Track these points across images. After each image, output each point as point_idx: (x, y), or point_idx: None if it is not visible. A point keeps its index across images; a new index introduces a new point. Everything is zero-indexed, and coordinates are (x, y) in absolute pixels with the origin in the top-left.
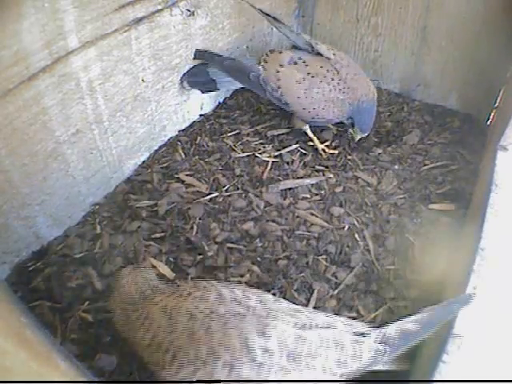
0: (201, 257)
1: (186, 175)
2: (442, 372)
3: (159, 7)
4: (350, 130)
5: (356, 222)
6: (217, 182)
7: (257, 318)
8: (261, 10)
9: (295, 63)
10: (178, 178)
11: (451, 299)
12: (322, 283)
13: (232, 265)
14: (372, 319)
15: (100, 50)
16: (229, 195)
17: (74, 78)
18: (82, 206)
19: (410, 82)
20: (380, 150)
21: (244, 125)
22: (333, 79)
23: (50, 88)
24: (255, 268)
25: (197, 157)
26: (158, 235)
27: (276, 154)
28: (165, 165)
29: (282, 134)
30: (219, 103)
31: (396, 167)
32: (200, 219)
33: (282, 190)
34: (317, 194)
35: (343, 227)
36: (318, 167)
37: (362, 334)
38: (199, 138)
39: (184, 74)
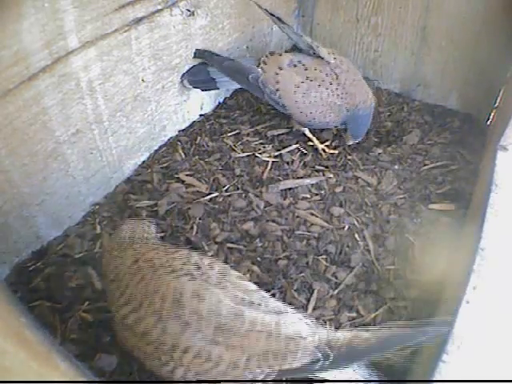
0: None
1: (186, 175)
2: (442, 372)
3: (159, 7)
4: (343, 134)
5: (356, 222)
6: (217, 182)
7: (203, 283)
8: (266, 10)
9: (295, 66)
10: (178, 177)
11: (428, 320)
12: (322, 283)
13: (232, 265)
14: (372, 319)
15: (100, 50)
16: (229, 195)
17: (74, 78)
18: (82, 205)
19: (410, 82)
20: (380, 150)
21: (244, 125)
22: (331, 84)
23: (49, 88)
24: (255, 268)
25: (197, 157)
26: (158, 235)
27: (276, 153)
28: (165, 165)
29: (282, 134)
30: (219, 103)
31: (396, 167)
32: (200, 219)
33: (282, 190)
34: (317, 194)
35: (343, 227)
36: (317, 167)
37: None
38: (199, 137)
39: (184, 73)
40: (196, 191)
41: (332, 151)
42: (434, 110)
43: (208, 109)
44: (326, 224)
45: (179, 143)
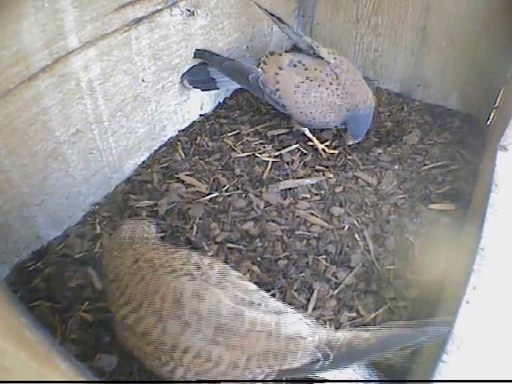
0: None
1: (186, 175)
2: (442, 372)
3: (159, 7)
4: (343, 134)
5: (356, 222)
6: (217, 182)
7: (203, 283)
8: (266, 10)
9: (295, 66)
10: (178, 178)
11: (428, 320)
12: (322, 283)
13: (232, 265)
14: (372, 319)
15: (100, 50)
16: (229, 195)
17: (74, 78)
18: (82, 205)
19: (410, 82)
20: (380, 150)
21: (244, 125)
22: (331, 84)
23: (49, 88)
24: (255, 268)
25: (197, 157)
26: (158, 235)
27: (276, 154)
28: (165, 165)
29: (282, 134)
30: (219, 103)
31: (396, 167)
32: (200, 219)
33: (282, 190)
34: (317, 194)
35: (343, 227)
36: (318, 167)
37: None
38: (199, 137)
39: (184, 73)
40: (196, 191)
41: (332, 151)
42: (434, 110)
43: (208, 109)
44: (326, 224)
45: (179, 143)
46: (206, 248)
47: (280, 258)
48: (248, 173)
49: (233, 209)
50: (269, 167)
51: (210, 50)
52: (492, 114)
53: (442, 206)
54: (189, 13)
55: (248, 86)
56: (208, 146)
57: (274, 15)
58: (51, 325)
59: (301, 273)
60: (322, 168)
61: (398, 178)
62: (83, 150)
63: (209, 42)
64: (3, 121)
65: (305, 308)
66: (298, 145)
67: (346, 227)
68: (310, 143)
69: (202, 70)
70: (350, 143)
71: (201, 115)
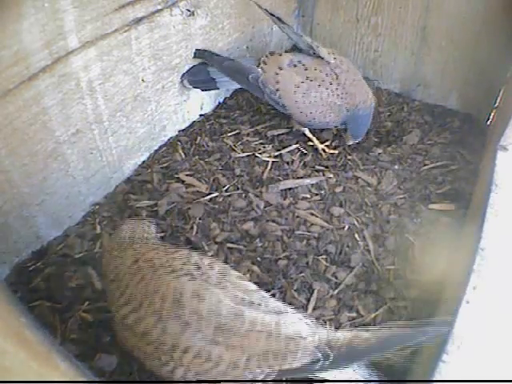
0: None
1: (186, 175)
2: (442, 372)
3: (159, 7)
4: (343, 134)
5: (356, 222)
6: (217, 182)
7: (203, 283)
8: (266, 10)
9: (295, 66)
10: (178, 178)
11: (428, 320)
12: (322, 283)
13: (232, 265)
14: (372, 319)
15: (100, 50)
16: (229, 195)
17: (74, 78)
18: (82, 205)
19: (410, 82)
20: (380, 150)
21: (244, 125)
22: (331, 84)
23: (49, 88)
24: (255, 268)
25: (197, 157)
26: (158, 235)
27: (276, 154)
28: (165, 165)
29: (282, 133)
30: (219, 103)
31: (396, 167)
32: (200, 219)
33: (282, 190)
34: (317, 194)
35: (343, 227)
36: (317, 167)
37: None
38: (199, 137)
39: (184, 73)
40: (196, 191)
41: (332, 151)
42: (434, 110)
43: (208, 109)
44: (326, 224)
45: (179, 143)
46: (206, 248)
47: (280, 258)
48: (248, 173)
49: (233, 209)
50: (269, 167)
51: (209, 50)
52: (492, 114)
53: (442, 206)
54: (189, 13)
55: (248, 86)
56: (208, 146)
57: (273, 15)
58: (51, 325)
59: (301, 273)
60: (322, 168)
61: (398, 178)
62: (83, 150)
63: (209, 41)
64: (3, 121)
65: (305, 308)
66: (298, 145)
67: (346, 227)
68: (310, 143)
69: (202, 70)
70: (350, 143)
71: (201, 115)
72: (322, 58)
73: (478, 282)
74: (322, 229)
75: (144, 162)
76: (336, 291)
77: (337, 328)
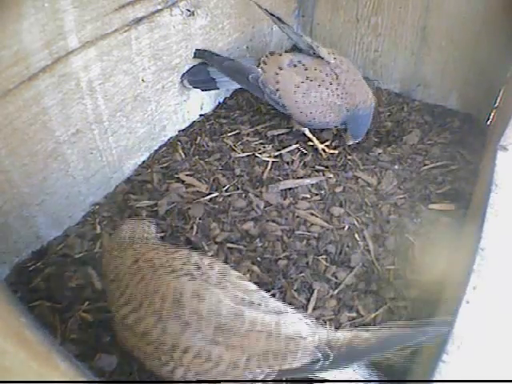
0: None
1: (186, 175)
2: (442, 372)
3: (159, 7)
4: (343, 134)
5: (356, 222)
6: (217, 182)
7: (203, 283)
8: (266, 10)
9: (295, 66)
10: (178, 178)
11: (428, 320)
12: (322, 283)
13: (232, 265)
14: (372, 319)
15: (100, 50)
16: (229, 195)
17: (74, 78)
18: (82, 205)
19: (410, 82)
20: (380, 150)
21: (244, 125)
22: (331, 84)
23: (49, 88)
24: (255, 268)
25: (197, 157)
26: (158, 235)
27: (276, 154)
28: (165, 165)
29: (282, 133)
30: (219, 103)
31: (396, 167)
32: (200, 219)
33: (282, 190)
34: (317, 194)
35: (343, 227)
36: (318, 167)
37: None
38: (199, 137)
39: (184, 73)
40: (196, 191)
41: (332, 151)
42: (434, 110)
43: (208, 109)
44: (326, 224)
45: (179, 143)
46: (206, 248)
47: (280, 258)
48: (248, 173)
49: (233, 209)
50: (269, 167)
51: (209, 50)
52: (492, 114)
53: (442, 206)
54: (189, 13)
55: (248, 86)
56: (208, 146)
57: (273, 15)
58: (51, 325)
59: (301, 273)
60: (322, 168)
61: (398, 178)
62: (83, 150)
63: (209, 41)
64: (3, 121)
65: (305, 308)
66: (298, 145)
67: (346, 227)
68: (310, 143)
69: (202, 70)
70: (350, 143)
71: (201, 115)
72: (322, 58)
73: (478, 282)
74: (322, 229)
75: (144, 162)
76: (336, 291)
77: (337, 328)
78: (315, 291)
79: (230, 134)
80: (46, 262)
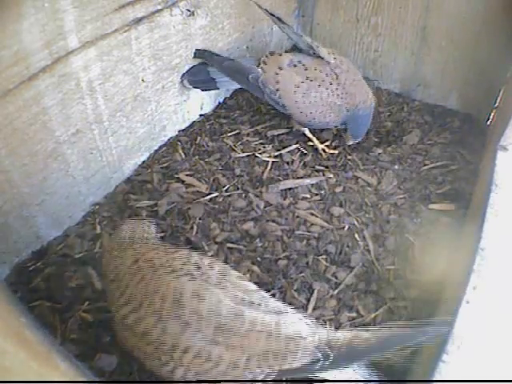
0: None
1: (186, 175)
2: (442, 372)
3: (159, 7)
4: (343, 134)
5: (356, 222)
6: (217, 182)
7: (203, 283)
8: (266, 10)
9: (295, 66)
10: (178, 178)
11: (428, 320)
12: (322, 283)
13: (232, 265)
14: (372, 319)
15: (100, 50)
16: (229, 195)
17: (74, 77)
18: (82, 205)
19: (410, 82)
20: (380, 150)
21: (244, 125)
22: (331, 84)
23: (49, 88)
24: (255, 268)
25: (197, 157)
26: (158, 235)
27: (276, 154)
28: (165, 165)
29: (282, 133)
30: (219, 103)
31: (396, 167)
32: (200, 219)
33: (282, 190)
34: (317, 194)
35: (343, 227)
36: (318, 167)
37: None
38: (199, 137)
39: (184, 73)
40: (196, 191)
41: (332, 151)
42: (434, 110)
43: (208, 109)
44: (326, 224)
45: (179, 143)
46: (206, 248)
47: (280, 258)
48: (248, 173)
49: (233, 209)
50: (269, 167)
51: (209, 50)
52: (492, 114)
53: (442, 206)
54: (189, 13)
55: (248, 86)
56: (208, 145)
57: (274, 15)
58: (51, 325)
59: (301, 273)
60: (322, 168)
61: (398, 178)
62: (83, 150)
63: (209, 41)
64: (3, 121)
65: (305, 308)
66: (298, 145)
67: (346, 227)
68: (310, 143)
69: (202, 70)
70: (350, 143)
71: (201, 115)
72: (322, 58)
73: (478, 282)
74: (322, 229)
75: (144, 162)
76: (336, 291)
77: (337, 328)
78: (315, 291)
79: (230, 134)
80: (45, 262)
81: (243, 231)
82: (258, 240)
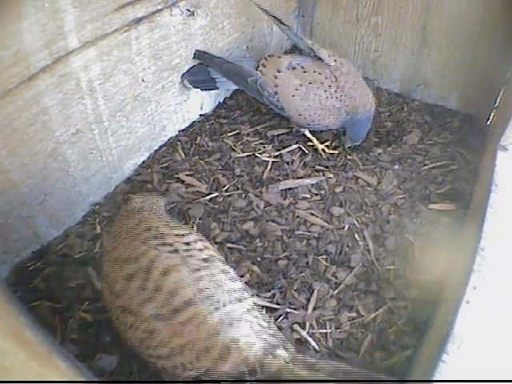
0: None
1: (186, 175)
2: (442, 372)
3: (159, 7)
4: (342, 137)
5: (356, 222)
6: (217, 182)
7: (181, 262)
8: (267, 11)
9: (293, 68)
10: (178, 178)
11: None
12: (322, 283)
13: (232, 265)
14: (372, 319)
15: (100, 50)
16: (229, 195)
17: (74, 77)
18: (81, 205)
19: (410, 82)
20: (380, 150)
21: (244, 125)
22: (330, 86)
23: (49, 88)
24: (255, 268)
25: (197, 157)
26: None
27: (276, 153)
28: (165, 165)
29: (282, 134)
30: (219, 103)
31: (396, 167)
32: (200, 219)
33: (282, 190)
34: (317, 194)
35: (343, 227)
36: (318, 167)
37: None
38: (199, 138)
39: (184, 73)
40: (196, 191)
41: (332, 151)
42: (434, 110)
43: (208, 109)
44: (326, 224)
45: (179, 143)
46: None
47: (280, 258)
48: (248, 173)
49: (233, 209)
50: (269, 167)
51: (209, 52)
52: (492, 114)
53: (442, 206)
54: (189, 13)
55: (247, 89)
56: (208, 145)
57: (275, 17)
58: (51, 325)
59: (301, 273)
60: (322, 168)
61: (398, 178)
62: (83, 150)
63: (209, 41)
64: (3, 121)
65: (305, 308)
66: (298, 145)
67: (346, 227)
68: (310, 143)
69: (202, 69)
70: (349, 145)
71: (201, 115)
72: (322, 61)
73: (477, 282)
74: (322, 229)
75: (144, 162)
76: (336, 291)
77: (337, 328)
78: (315, 291)
79: (230, 134)
80: (45, 262)
81: (243, 231)
82: (258, 240)
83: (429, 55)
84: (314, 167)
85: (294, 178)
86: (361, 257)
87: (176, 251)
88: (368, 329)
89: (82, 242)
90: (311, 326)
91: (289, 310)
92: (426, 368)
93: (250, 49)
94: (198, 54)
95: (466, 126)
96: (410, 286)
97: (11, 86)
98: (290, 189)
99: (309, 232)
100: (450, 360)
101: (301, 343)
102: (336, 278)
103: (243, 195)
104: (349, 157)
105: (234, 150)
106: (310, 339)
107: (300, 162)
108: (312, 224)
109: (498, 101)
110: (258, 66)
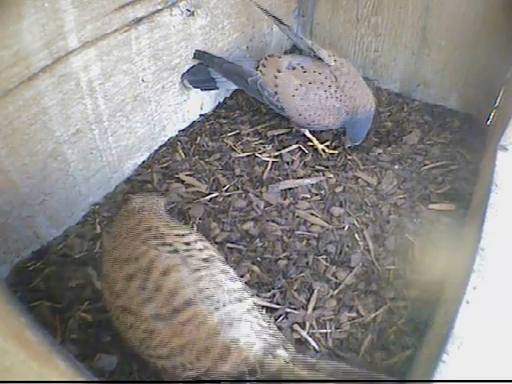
0: None
1: (186, 175)
2: (442, 372)
3: (159, 7)
4: (342, 137)
5: (356, 222)
6: (217, 182)
7: (181, 262)
8: (267, 11)
9: (293, 69)
10: (177, 178)
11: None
12: (322, 283)
13: (232, 265)
14: (372, 319)
15: (100, 50)
16: (229, 195)
17: (74, 78)
18: (81, 205)
19: (410, 82)
20: (380, 150)
21: (244, 125)
22: (330, 87)
23: (49, 88)
24: (255, 268)
25: (197, 157)
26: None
27: (276, 153)
28: (165, 165)
29: (282, 134)
30: (219, 103)
31: (396, 167)
32: (200, 219)
33: (282, 190)
34: (317, 194)
35: (343, 227)
36: (318, 167)
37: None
38: (199, 138)
39: (184, 73)
40: (196, 191)
41: (332, 151)
42: (434, 110)
43: (208, 109)
44: (326, 224)
45: (179, 143)
46: None
47: (280, 258)
48: (248, 173)
49: (233, 209)
50: (269, 167)
51: (209, 52)
52: (492, 114)
53: (442, 206)
54: (189, 13)
55: (247, 89)
56: (208, 145)
57: (275, 17)
58: (51, 325)
59: (301, 273)
60: (322, 168)
61: (398, 178)
62: (83, 150)
63: (209, 41)
64: (3, 121)
65: (305, 308)
66: (298, 145)
67: (346, 227)
68: (310, 143)
69: (202, 69)
70: (349, 145)
71: (201, 115)
72: (322, 61)
73: (477, 282)
74: (322, 229)
75: (144, 162)
76: (336, 291)
77: (337, 328)
78: (315, 291)
79: (230, 134)
80: (45, 262)
81: (243, 231)
82: (258, 240)
83: (429, 55)
84: (313, 167)
85: (293, 178)
86: (361, 257)
87: (176, 251)
88: (368, 329)
89: (82, 242)
90: (311, 325)
91: (289, 310)
92: (426, 368)
93: (249, 49)
94: (198, 54)
95: (465, 126)
96: (410, 285)
97: (11, 85)
98: (290, 189)
99: (309, 232)
100: (449, 360)
101: (301, 343)
102: (336, 277)
103: (243, 195)
104: (349, 157)
105: (234, 150)
106: (310, 339)
107: (300, 162)
108: (312, 224)
109: (497, 101)
110: (258, 66)
